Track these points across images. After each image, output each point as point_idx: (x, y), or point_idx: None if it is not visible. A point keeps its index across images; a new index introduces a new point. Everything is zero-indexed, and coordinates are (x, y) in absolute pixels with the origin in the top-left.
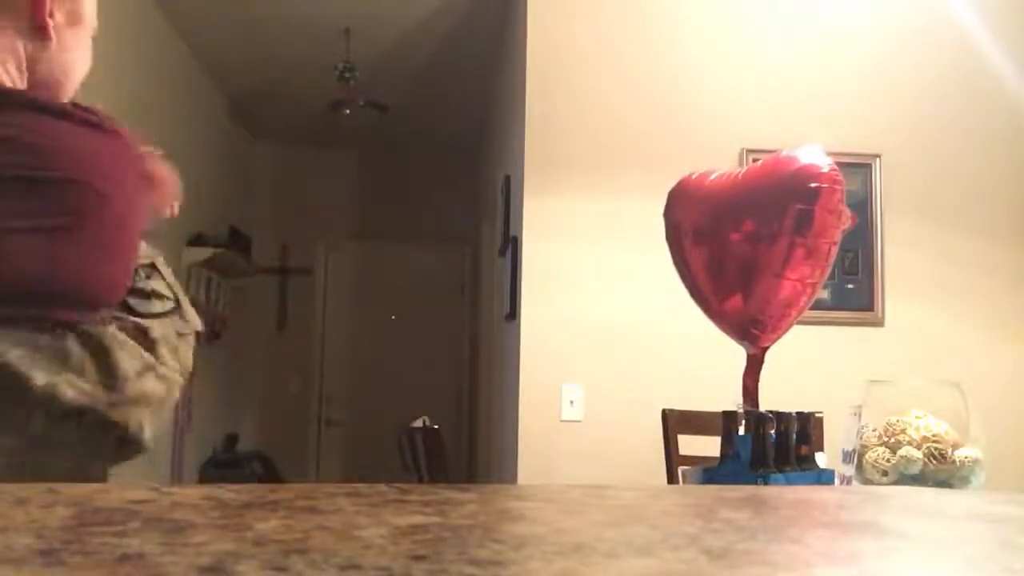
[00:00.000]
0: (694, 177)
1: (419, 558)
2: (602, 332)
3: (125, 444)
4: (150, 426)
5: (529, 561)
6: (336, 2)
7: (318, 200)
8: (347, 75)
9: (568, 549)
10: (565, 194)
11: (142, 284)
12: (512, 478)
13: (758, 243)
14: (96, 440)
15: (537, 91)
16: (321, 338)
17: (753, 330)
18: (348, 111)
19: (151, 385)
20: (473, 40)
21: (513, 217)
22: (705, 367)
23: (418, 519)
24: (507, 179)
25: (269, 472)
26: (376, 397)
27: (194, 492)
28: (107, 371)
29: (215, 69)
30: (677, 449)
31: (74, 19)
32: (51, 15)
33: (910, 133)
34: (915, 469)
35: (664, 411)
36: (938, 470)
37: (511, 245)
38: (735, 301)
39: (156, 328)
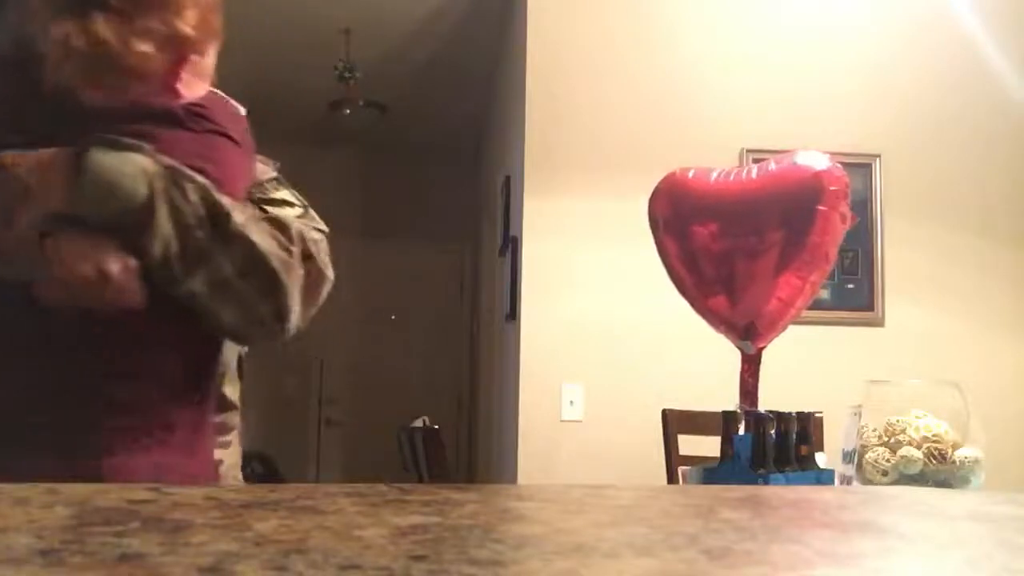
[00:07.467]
0: (691, 175)
1: (419, 558)
2: (602, 332)
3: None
4: (296, 307)
5: (529, 561)
6: (336, 2)
7: (318, 200)
8: (347, 75)
9: (568, 549)
10: (565, 194)
11: (272, 194)
12: (512, 478)
13: (755, 244)
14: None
15: (537, 91)
16: (321, 338)
17: (751, 328)
18: (348, 111)
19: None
20: (473, 40)
21: (513, 217)
22: (705, 367)
23: (418, 519)
24: (507, 179)
25: (269, 472)
26: (376, 397)
27: (194, 492)
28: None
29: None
30: (677, 449)
31: (201, 74)
32: (180, 77)
33: (910, 133)
34: (915, 469)
35: (664, 411)
36: (938, 470)
37: (511, 245)
38: (719, 300)
39: (295, 225)
